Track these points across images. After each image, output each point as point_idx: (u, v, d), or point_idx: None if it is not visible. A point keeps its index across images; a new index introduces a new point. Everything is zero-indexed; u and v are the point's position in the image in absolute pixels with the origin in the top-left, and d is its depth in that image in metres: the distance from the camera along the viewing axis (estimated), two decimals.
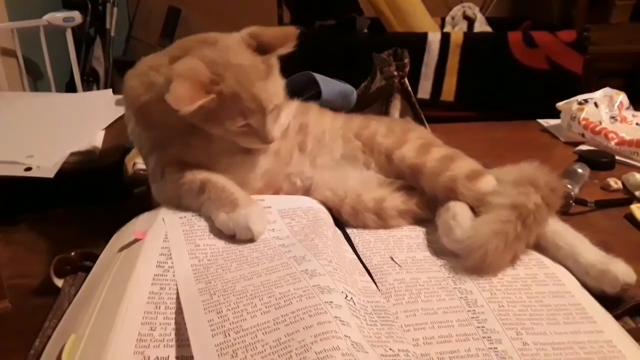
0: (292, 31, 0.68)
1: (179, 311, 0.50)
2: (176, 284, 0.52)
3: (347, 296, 0.52)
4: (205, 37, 0.68)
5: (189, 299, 0.50)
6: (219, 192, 0.63)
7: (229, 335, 0.45)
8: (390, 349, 0.48)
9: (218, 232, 0.61)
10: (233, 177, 0.67)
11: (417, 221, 0.71)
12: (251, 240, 0.60)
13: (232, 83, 0.62)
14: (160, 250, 0.56)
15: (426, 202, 0.71)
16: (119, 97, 1.05)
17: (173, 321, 0.49)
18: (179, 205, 0.65)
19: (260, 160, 0.71)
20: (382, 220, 0.70)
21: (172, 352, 0.46)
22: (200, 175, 0.65)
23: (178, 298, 0.51)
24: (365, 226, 0.70)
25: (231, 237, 0.60)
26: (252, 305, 0.49)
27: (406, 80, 0.95)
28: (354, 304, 0.52)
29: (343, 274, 0.55)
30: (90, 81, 2.47)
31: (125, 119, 0.73)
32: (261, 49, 0.66)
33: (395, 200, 0.71)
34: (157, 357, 0.45)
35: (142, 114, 0.68)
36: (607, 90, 1.18)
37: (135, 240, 0.58)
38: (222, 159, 0.68)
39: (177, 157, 0.67)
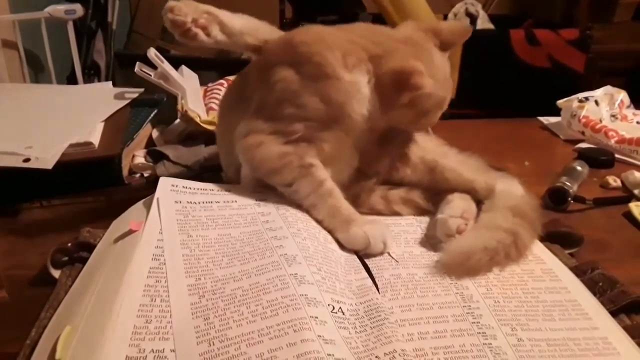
0: (468, 28, 0.73)
1: None
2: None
3: (334, 308, 0.52)
4: (403, 35, 0.69)
5: (178, 298, 0.50)
6: (342, 209, 0.65)
7: (214, 344, 0.46)
8: (376, 357, 0.48)
9: (212, 222, 0.62)
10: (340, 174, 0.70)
11: (420, 211, 0.73)
12: (381, 253, 0.63)
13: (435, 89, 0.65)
14: (156, 243, 0.56)
15: (427, 195, 0.73)
16: (119, 90, 1.05)
17: (169, 314, 0.49)
18: (261, 167, 0.66)
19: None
20: (387, 205, 0.73)
21: (167, 345, 0.46)
22: (328, 180, 0.66)
23: None
24: (372, 209, 0.72)
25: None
26: (239, 313, 0.49)
27: None
28: (343, 313, 0.52)
29: (332, 282, 0.55)
30: (92, 74, 2.46)
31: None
32: (440, 46, 0.70)
33: (400, 192, 0.74)
34: (153, 350, 0.45)
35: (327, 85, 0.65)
36: (607, 88, 1.18)
37: (131, 231, 0.58)
38: (353, 159, 0.71)
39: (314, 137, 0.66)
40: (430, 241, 0.66)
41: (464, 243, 0.62)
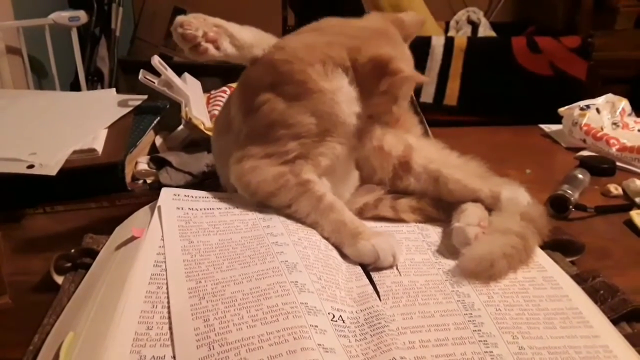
0: (423, 20, 0.78)
1: None
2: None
3: (334, 316, 0.52)
4: (375, 25, 0.73)
5: (178, 301, 0.50)
6: (346, 222, 0.65)
7: (213, 348, 0.46)
8: None
9: (213, 228, 0.62)
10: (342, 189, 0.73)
11: (428, 219, 0.73)
12: (391, 266, 0.62)
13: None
14: (158, 250, 0.57)
15: (436, 203, 0.74)
16: (123, 97, 1.05)
17: (169, 320, 0.49)
18: (258, 191, 0.66)
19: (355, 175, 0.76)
20: (395, 214, 0.73)
21: (168, 352, 0.46)
22: (328, 193, 0.66)
23: None
24: (380, 216, 0.73)
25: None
26: (239, 317, 0.49)
27: None
28: (343, 321, 0.52)
29: (332, 290, 0.55)
30: (95, 81, 2.48)
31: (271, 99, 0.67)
32: (403, 37, 0.75)
33: (409, 201, 0.74)
34: (154, 357, 0.45)
35: (317, 100, 0.66)
36: (609, 96, 1.18)
37: (133, 238, 0.59)
38: (349, 170, 0.74)
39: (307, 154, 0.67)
40: (432, 248, 0.66)
41: (483, 249, 0.62)
